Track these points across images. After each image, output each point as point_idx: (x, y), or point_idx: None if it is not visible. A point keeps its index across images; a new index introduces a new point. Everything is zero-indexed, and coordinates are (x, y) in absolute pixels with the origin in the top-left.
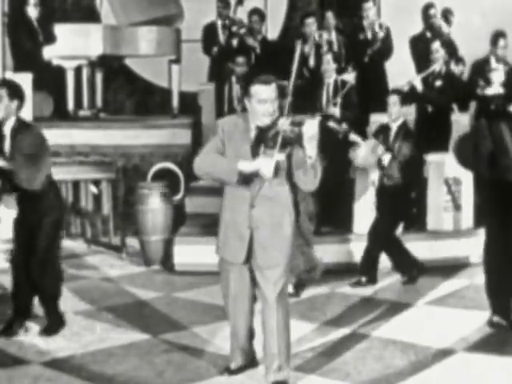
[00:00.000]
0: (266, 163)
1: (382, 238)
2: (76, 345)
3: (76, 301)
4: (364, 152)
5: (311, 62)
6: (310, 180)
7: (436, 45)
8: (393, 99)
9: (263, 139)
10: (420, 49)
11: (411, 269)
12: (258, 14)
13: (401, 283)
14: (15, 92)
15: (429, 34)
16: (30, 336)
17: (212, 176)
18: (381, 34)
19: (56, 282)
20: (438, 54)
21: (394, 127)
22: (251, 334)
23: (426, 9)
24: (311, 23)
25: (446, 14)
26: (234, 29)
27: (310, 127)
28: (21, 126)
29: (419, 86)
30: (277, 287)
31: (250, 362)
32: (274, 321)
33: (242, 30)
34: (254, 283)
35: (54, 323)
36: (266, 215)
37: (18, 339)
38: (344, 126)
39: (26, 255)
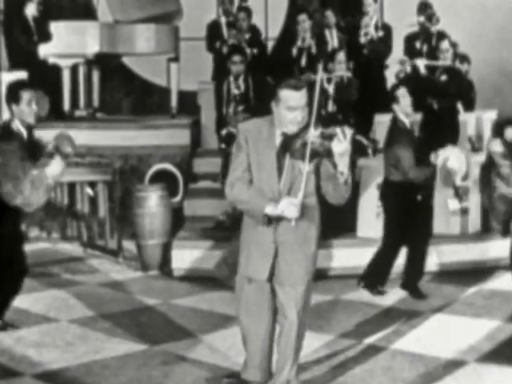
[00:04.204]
0: (289, 205)
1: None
2: (70, 356)
3: (71, 308)
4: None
5: (303, 62)
6: (340, 196)
7: (445, 44)
8: (402, 91)
9: (290, 149)
10: (414, 47)
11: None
12: (246, 12)
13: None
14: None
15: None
16: (22, 346)
17: (242, 210)
18: (379, 34)
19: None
20: (447, 54)
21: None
22: (270, 353)
23: (421, 7)
24: (303, 20)
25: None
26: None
27: (340, 143)
28: None
29: (422, 69)
30: (298, 305)
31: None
32: (291, 338)
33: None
34: (274, 298)
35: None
36: (292, 229)
37: (9, 349)
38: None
39: None
